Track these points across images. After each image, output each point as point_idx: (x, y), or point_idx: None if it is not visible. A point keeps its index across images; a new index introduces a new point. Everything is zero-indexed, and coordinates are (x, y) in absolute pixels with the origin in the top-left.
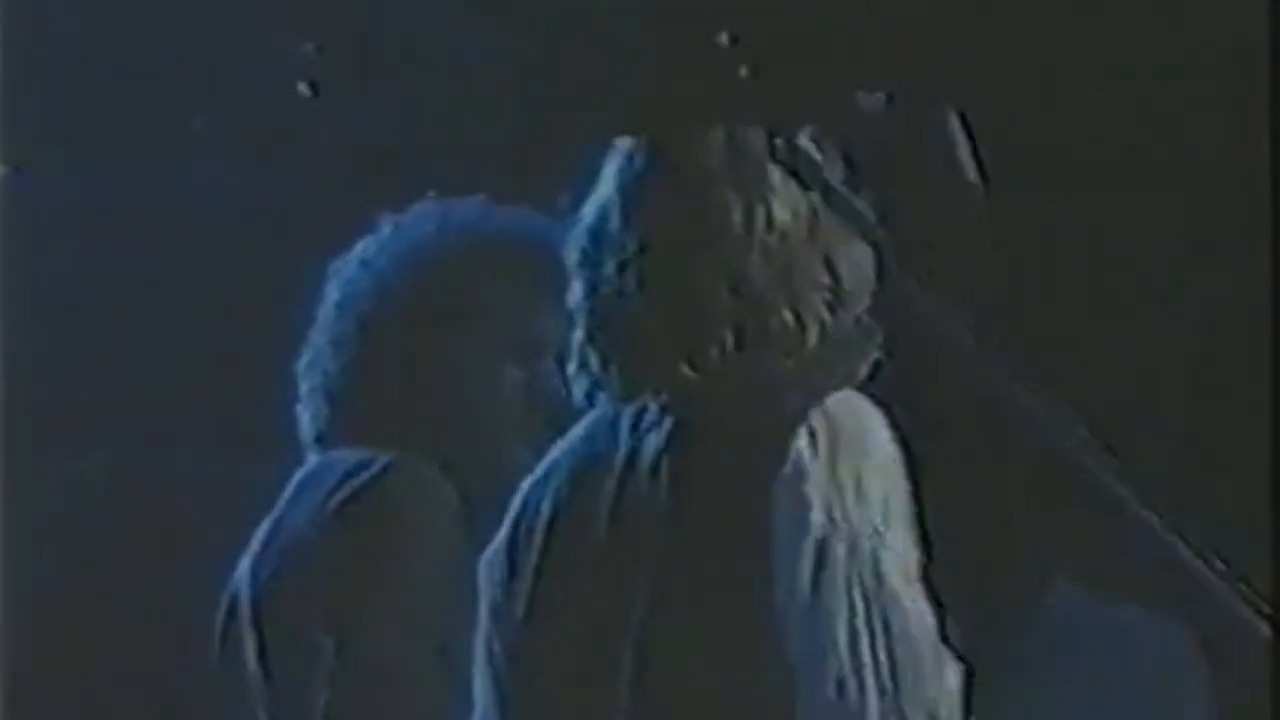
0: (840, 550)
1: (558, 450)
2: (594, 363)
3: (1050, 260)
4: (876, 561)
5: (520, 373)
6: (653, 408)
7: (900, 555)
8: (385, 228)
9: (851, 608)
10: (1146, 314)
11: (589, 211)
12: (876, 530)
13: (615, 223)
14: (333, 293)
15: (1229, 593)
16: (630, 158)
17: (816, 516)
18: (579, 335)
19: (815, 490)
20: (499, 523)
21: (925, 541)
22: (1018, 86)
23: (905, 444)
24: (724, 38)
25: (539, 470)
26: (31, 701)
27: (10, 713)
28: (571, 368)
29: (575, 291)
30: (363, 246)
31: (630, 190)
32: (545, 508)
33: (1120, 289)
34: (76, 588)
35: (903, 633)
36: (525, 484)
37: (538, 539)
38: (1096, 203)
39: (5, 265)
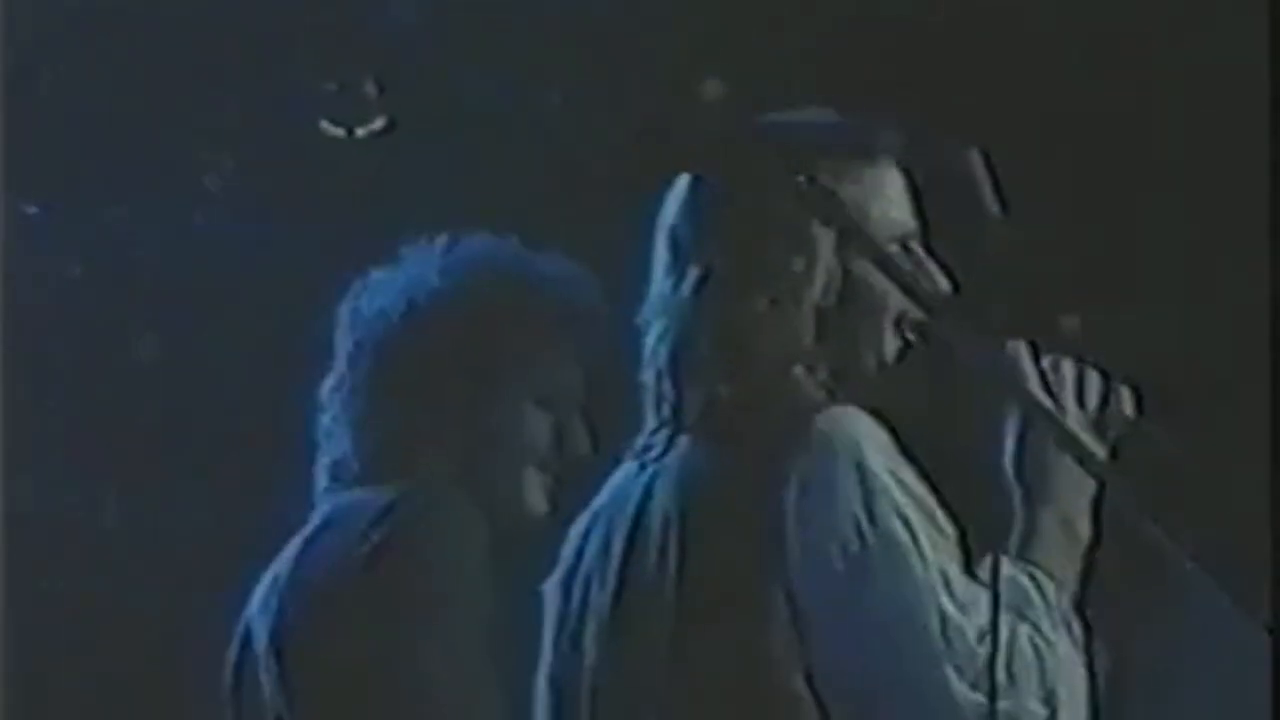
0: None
1: (607, 490)
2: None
3: (1049, 267)
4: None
5: (545, 416)
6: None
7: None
8: (430, 263)
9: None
10: (1145, 319)
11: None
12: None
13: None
14: (360, 322)
15: (1228, 598)
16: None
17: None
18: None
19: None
20: (527, 556)
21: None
22: (1030, 113)
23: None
24: (732, 78)
25: (594, 505)
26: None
27: None
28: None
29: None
30: (403, 279)
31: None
32: (603, 540)
33: (1119, 296)
34: (81, 618)
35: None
36: (586, 517)
37: (612, 569)
38: (1096, 208)
39: (15, 295)
